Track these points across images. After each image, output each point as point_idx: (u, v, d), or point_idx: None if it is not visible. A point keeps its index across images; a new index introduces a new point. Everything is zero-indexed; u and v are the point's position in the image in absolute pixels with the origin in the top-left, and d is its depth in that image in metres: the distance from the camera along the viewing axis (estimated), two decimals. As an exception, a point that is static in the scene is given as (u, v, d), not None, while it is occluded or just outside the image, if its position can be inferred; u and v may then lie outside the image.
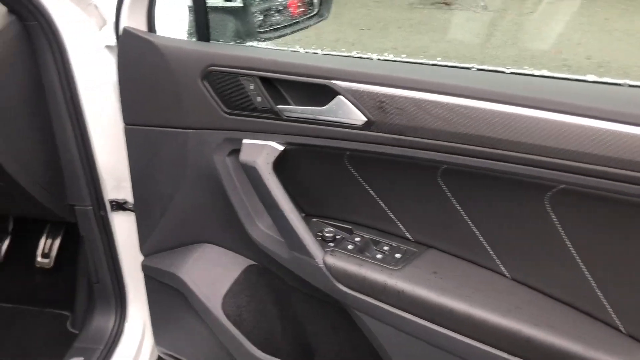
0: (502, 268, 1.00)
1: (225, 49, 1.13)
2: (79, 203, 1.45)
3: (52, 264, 1.81)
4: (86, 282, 1.73)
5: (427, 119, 0.91)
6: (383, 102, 0.93)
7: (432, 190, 0.99)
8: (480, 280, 0.99)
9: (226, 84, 1.08)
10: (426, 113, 0.91)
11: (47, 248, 1.81)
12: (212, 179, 1.18)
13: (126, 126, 1.26)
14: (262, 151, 1.07)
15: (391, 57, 1.06)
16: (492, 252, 1.00)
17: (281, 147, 1.07)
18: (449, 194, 1.00)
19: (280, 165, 1.08)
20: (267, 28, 1.44)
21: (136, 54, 1.17)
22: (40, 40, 1.26)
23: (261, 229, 1.16)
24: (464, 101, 0.89)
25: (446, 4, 6.72)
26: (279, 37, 1.44)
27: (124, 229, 1.50)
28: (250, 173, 1.08)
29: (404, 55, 1.11)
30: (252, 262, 1.29)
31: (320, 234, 1.09)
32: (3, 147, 1.26)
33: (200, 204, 1.26)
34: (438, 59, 1.08)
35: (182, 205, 1.27)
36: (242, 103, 1.08)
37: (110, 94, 1.34)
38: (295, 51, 1.11)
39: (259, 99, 1.05)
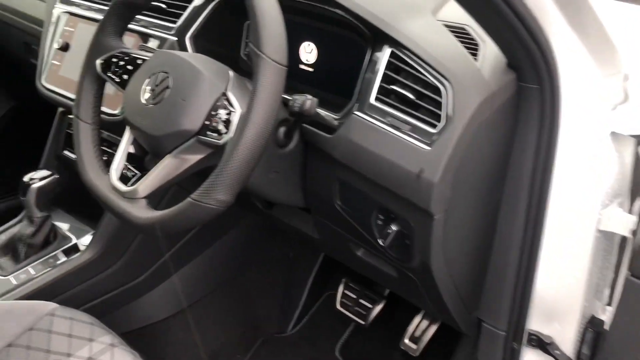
0: None
1: None
2: (490, 322, 1.05)
3: (417, 354, 1.49)
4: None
5: None
6: None
7: None
8: None
9: None
10: None
11: (418, 332, 1.49)
12: None
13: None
14: None
15: None
16: None
17: None
18: None
19: None
20: None
21: None
22: (532, 109, 0.88)
23: None
24: None
25: None
26: None
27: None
28: None
29: None
30: None
31: None
32: (440, 233, 0.93)
33: None
34: None
35: None
36: None
37: (593, 207, 0.89)
38: None
39: None
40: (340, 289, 1.60)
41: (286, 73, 0.84)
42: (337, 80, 1.05)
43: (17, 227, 1.41)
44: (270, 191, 1.12)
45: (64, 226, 1.44)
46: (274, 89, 0.82)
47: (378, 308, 1.54)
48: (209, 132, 0.89)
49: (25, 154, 2.22)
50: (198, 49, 1.22)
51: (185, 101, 0.90)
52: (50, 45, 1.44)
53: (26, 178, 1.30)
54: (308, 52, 1.14)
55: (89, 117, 1.07)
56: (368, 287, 1.59)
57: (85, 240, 1.39)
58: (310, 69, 1.14)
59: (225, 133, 0.86)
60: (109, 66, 1.05)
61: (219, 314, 1.66)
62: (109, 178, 0.98)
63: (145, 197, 0.95)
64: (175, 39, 1.22)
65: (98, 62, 1.06)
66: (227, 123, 0.87)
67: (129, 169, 1.02)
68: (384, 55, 0.93)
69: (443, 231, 0.90)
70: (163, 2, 1.26)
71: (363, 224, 1.00)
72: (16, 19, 1.65)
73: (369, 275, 1.22)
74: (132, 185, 0.96)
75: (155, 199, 0.97)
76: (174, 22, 1.24)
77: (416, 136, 0.86)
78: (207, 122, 0.89)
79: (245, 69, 1.04)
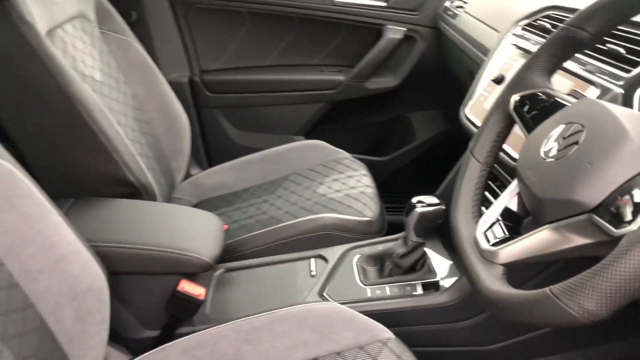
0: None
1: None
2: None
3: None
4: None
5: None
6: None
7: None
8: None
9: None
10: None
11: None
12: None
13: None
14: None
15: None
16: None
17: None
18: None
19: None
20: None
21: None
22: None
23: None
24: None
25: None
26: None
27: None
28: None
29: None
30: None
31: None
32: None
33: None
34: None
35: None
36: None
37: None
38: None
39: None
40: None
41: None
42: None
43: (392, 244, 1.40)
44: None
45: (434, 258, 1.36)
46: None
47: None
48: (607, 214, 0.65)
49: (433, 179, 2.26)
50: (647, 107, 0.94)
51: (592, 166, 0.68)
52: (486, 75, 1.37)
53: (414, 200, 1.26)
54: None
55: (482, 155, 0.94)
56: None
57: (448, 282, 1.29)
58: None
59: (628, 222, 0.60)
60: (524, 105, 0.90)
61: None
62: (475, 228, 0.84)
63: (503, 265, 0.77)
64: (622, 91, 0.97)
65: (513, 98, 0.92)
66: (637, 209, 0.61)
67: (500, 225, 0.85)
68: None
69: None
70: (623, 46, 1.02)
71: None
72: (468, 45, 1.65)
73: None
74: (494, 245, 0.79)
75: (515, 270, 0.78)
76: (628, 72, 0.99)
77: None
78: (610, 200, 0.65)
79: None
